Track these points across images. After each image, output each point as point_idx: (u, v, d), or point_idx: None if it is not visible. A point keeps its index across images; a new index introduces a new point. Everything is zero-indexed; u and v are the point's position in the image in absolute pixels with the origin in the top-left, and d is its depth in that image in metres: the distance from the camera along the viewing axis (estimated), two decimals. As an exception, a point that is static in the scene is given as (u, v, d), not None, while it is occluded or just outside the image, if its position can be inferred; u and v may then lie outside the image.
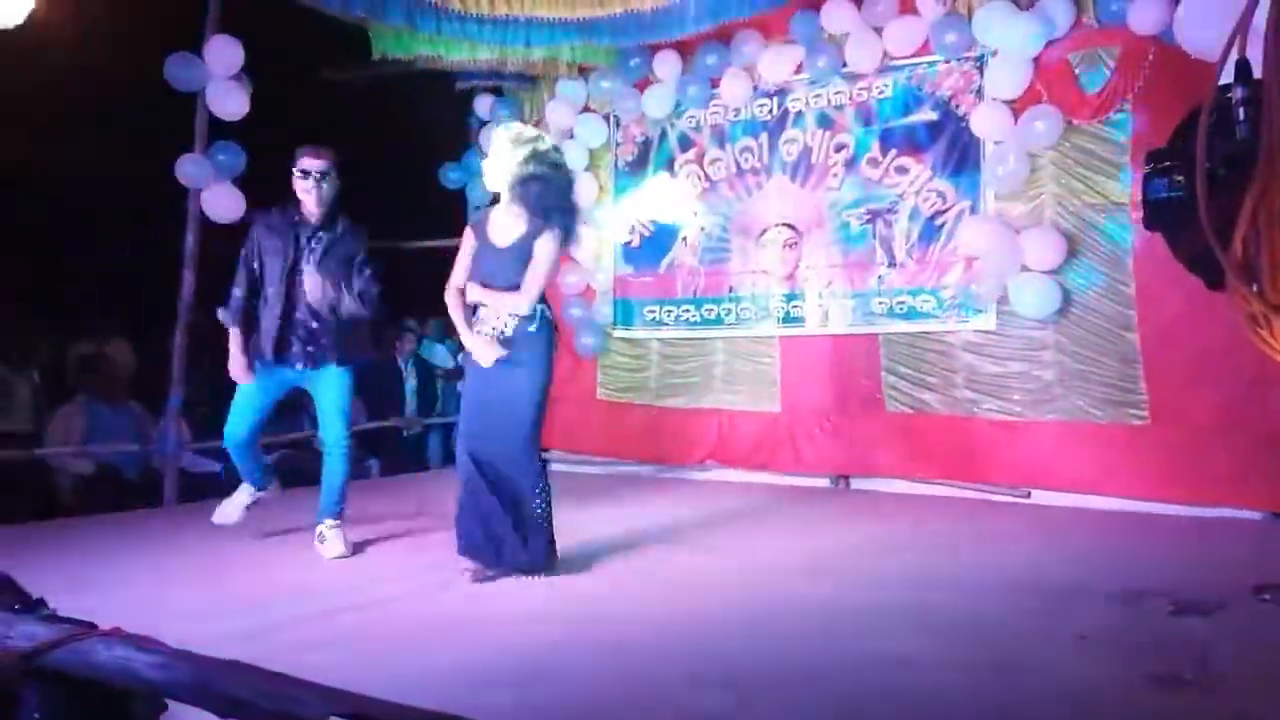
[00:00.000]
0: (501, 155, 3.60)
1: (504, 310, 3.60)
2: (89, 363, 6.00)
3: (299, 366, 4.06)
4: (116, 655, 1.58)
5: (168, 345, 5.55)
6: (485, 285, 3.63)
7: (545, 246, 3.58)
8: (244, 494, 4.29)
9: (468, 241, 3.74)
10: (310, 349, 4.04)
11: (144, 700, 1.67)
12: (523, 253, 3.59)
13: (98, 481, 5.65)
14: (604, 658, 2.71)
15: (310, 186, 3.99)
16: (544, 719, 2.26)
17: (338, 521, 4.09)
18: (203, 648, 1.57)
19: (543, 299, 3.67)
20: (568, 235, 3.67)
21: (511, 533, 3.53)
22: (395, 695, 1.50)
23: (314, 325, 4.03)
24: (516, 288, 3.59)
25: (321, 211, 4.03)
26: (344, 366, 4.10)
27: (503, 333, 3.59)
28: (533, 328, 3.61)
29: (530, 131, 3.69)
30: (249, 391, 4.09)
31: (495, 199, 3.80)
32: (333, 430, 4.12)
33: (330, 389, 4.10)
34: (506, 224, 3.65)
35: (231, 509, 4.29)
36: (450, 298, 3.72)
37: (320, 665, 2.12)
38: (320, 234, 4.04)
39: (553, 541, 3.63)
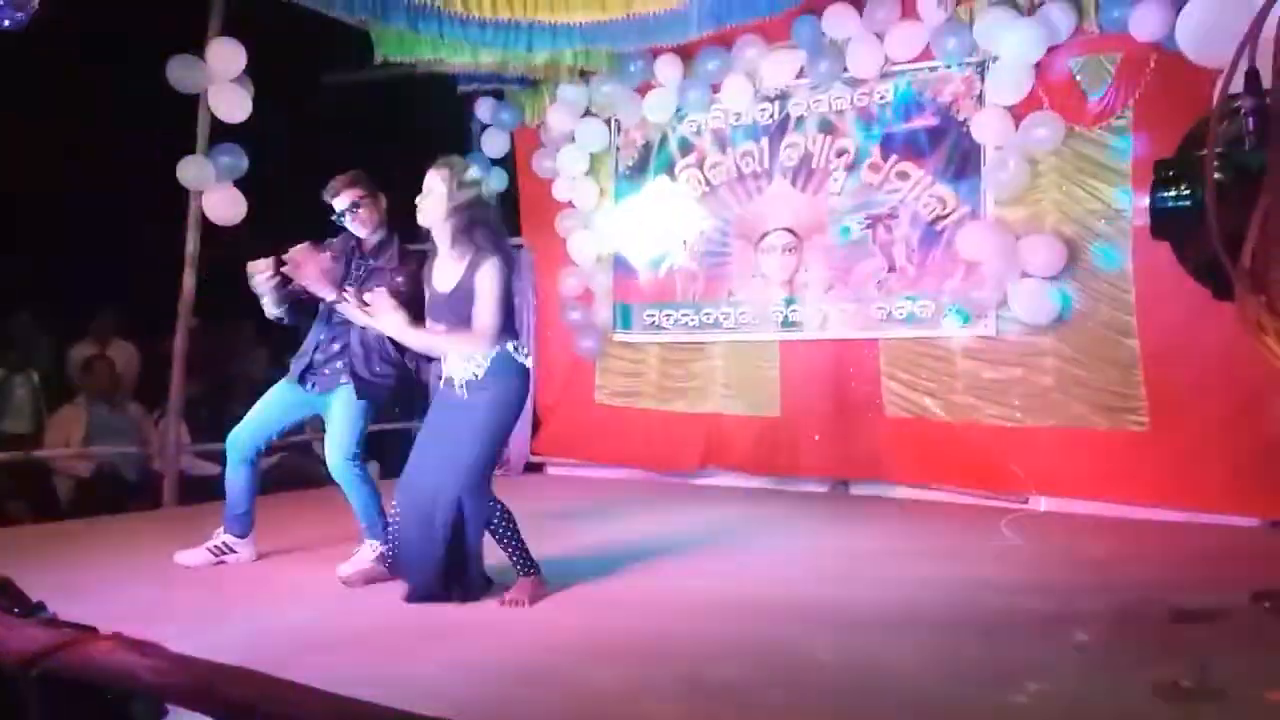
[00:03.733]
0: (444, 195, 3.48)
1: (463, 352, 3.37)
2: (89, 364, 6.00)
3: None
4: (117, 660, 1.58)
5: (168, 347, 5.54)
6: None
7: (487, 276, 3.35)
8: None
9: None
10: None
11: (144, 705, 1.67)
12: (469, 292, 3.38)
13: (97, 483, 5.64)
14: (603, 661, 2.70)
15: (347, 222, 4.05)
16: (543, 724, 2.26)
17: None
18: (203, 652, 1.57)
19: (513, 334, 3.45)
20: (508, 264, 3.42)
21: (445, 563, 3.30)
22: (396, 700, 1.50)
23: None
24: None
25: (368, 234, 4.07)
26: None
27: (475, 376, 3.36)
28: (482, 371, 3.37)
29: (474, 172, 3.56)
30: None
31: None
32: None
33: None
34: (448, 267, 3.47)
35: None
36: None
37: (320, 669, 2.12)
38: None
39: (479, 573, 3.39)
